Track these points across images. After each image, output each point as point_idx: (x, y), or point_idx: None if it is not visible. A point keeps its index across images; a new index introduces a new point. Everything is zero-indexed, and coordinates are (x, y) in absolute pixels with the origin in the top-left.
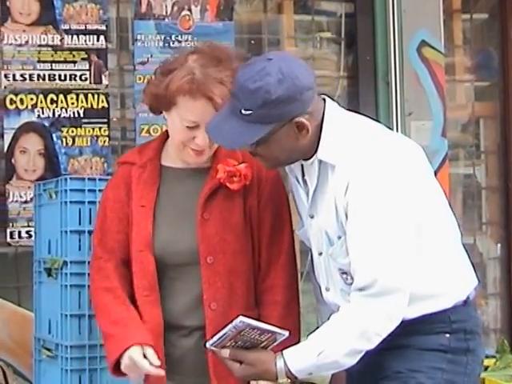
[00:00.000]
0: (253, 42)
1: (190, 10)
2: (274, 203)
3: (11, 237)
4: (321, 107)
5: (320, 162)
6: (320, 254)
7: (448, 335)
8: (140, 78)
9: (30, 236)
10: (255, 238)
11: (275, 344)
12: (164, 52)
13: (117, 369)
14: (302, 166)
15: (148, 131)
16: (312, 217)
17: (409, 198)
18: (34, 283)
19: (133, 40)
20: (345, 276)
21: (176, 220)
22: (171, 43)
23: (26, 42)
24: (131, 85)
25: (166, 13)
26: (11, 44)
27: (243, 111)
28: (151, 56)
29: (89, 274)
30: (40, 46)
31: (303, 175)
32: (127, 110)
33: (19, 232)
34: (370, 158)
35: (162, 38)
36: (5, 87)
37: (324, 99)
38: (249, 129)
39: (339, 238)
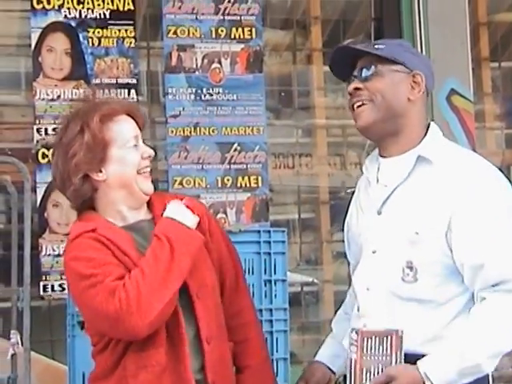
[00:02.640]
0: (283, 93)
1: (220, 62)
2: (220, 231)
3: (44, 290)
4: (425, 113)
5: (418, 157)
6: (374, 252)
7: None
8: (172, 131)
9: (63, 289)
10: (216, 267)
11: (402, 352)
12: (196, 105)
13: None
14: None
15: (181, 183)
16: (380, 213)
17: None
18: (67, 337)
19: (164, 93)
20: (407, 271)
21: None
22: (202, 96)
23: (58, 96)
24: (163, 137)
25: (197, 66)
26: (43, 99)
27: (376, 45)
28: (183, 109)
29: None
30: (72, 100)
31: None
32: (159, 161)
33: (52, 285)
34: (477, 159)
35: (194, 91)
36: (37, 141)
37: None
38: (376, 52)
39: (416, 233)
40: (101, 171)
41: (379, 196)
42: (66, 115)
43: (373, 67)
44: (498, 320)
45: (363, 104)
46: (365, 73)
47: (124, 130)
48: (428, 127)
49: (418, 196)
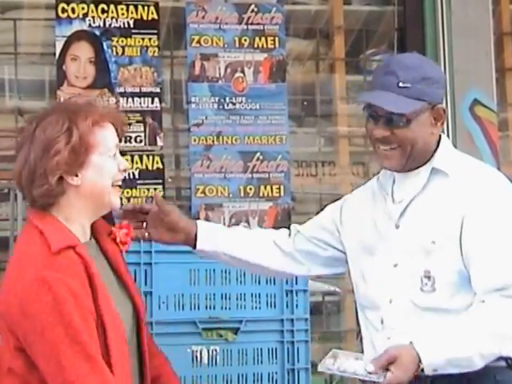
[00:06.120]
0: (305, 102)
1: (243, 72)
2: None
3: None
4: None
5: (432, 170)
6: (396, 265)
7: None
8: (195, 140)
9: None
10: None
11: None
12: (219, 114)
13: None
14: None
15: (203, 192)
16: (398, 227)
17: None
18: None
19: (187, 102)
20: (426, 281)
21: (117, 293)
22: (225, 105)
23: None
24: (186, 146)
25: (220, 75)
26: None
27: (401, 84)
28: (206, 118)
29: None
30: None
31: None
32: (182, 170)
33: None
34: (488, 170)
35: (216, 100)
36: None
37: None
38: (405, 101)
39: (433, 242)
40: (76, 175)
41: (396, 210)
42: (45, 109)
43: (402, 117)
44: (494, 322)
45: (392, 149)
46: (393, 120)
47: (108, 137)
48: (439, 139)
49: (434, 207)
